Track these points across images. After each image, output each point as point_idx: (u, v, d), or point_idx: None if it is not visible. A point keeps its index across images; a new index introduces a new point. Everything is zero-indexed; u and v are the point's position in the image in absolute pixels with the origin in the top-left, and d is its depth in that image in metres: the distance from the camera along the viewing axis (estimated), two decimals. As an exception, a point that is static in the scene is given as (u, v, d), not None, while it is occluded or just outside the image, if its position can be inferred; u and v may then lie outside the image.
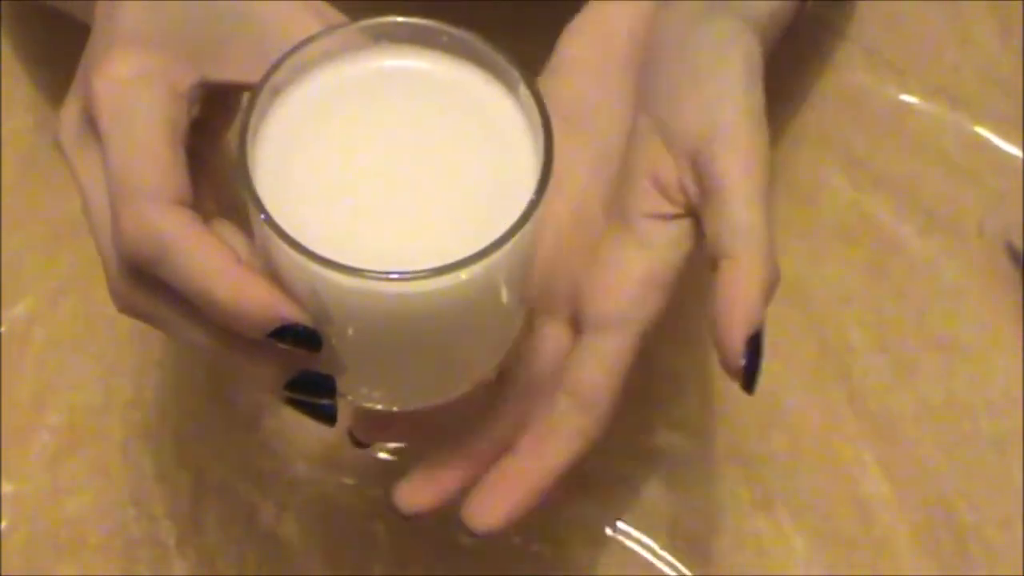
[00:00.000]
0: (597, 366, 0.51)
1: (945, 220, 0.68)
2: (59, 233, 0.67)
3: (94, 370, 0.64)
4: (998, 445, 0.64)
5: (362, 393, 0.50)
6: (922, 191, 0.69)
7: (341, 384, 0.48)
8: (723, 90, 0.50)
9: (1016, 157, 0.70)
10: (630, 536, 0.61)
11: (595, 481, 0.62)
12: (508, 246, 0.43)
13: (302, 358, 0.46)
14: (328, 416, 0.49)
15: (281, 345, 0.45)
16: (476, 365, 0.51)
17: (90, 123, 0.47)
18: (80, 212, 0.67)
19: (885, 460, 0.63)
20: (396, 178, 0.46)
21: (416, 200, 0.45)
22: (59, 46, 0.72)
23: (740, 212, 0.48)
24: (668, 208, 0.51)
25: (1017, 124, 0.70)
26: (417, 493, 0.52)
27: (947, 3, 0.74)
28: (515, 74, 0.46)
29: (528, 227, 0.44)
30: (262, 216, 0.43)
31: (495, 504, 0.51)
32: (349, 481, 0.62)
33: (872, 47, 0.73)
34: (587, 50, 0.55)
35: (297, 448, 0.63)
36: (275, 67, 0.46)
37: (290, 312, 0.45)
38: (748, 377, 0.49)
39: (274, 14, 0.48)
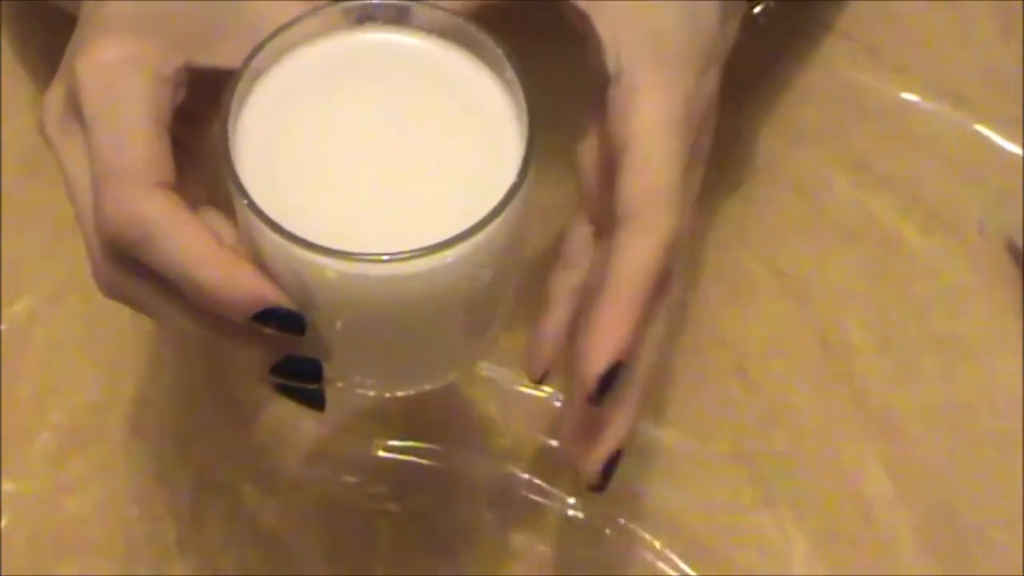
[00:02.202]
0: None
1: (947, 219, 0.68)
2: (60, 232, 0.67)
3: (95, 369, 0.64)
4: (1000, 445, 0.63)
5: (352, 379, 0.50)
6: (924, 190, 0.69)
7: (330, 370, 0.48)
8: (668, 23, 0.50)
9: (1017, 156, 0.70)
10: (632, 535, 0.61)
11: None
12: (493, 226, 0.43)
13: (288, 343, 0.46)
14: (316, 401, 0.48)
15: (265, 329, 0.45)
16: (465, 349, 0.51)
17: (74, 108, 0.47)
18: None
19: (887, 459, 0.63)
20: (380, 160, 0.45)
21: (400, 182, 0.45)
22: (61, 47, 0.72)
23: (650, 176, 0.47)
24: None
25: (1018, 123, 0.70)
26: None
27: (949, 3, 0.74)
28: (500, 55, 0.46)
29: (513, 208, 0.43)
30: (244, 201, 0.43)
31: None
32: (351, 479, 0.62)
33: (874, 46, 0.73)
34: None
35: (298, 446, 0.63)
36: (256, 50, 0.46)
37: (273, 295, 0.45)
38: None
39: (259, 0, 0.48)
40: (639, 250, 0.47)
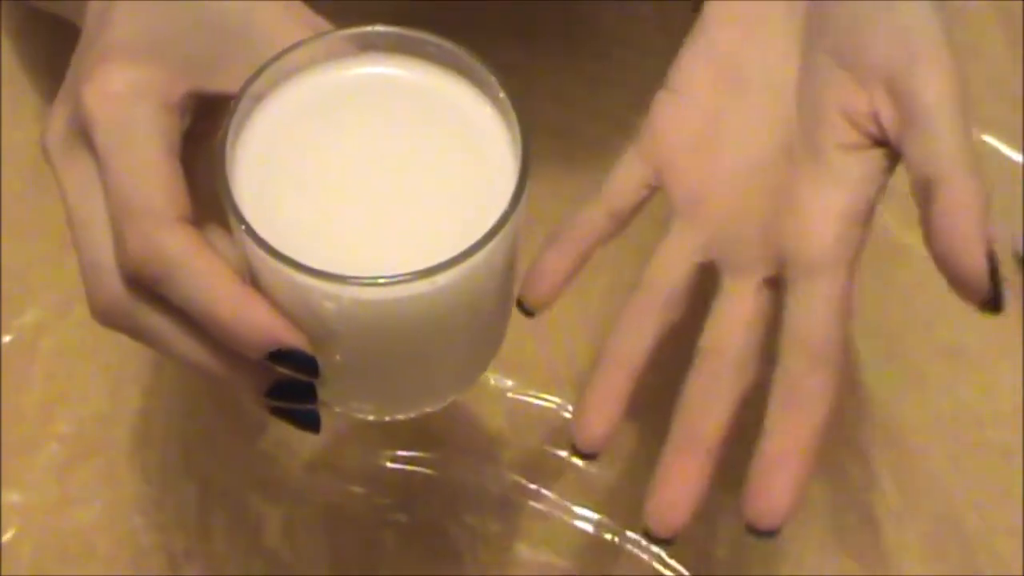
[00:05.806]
0: (822, 312, 0.49)
1: (952, 230, 0.68)
2: (66, 242, 0.66)
3: (102, 379, 0.64)
4: (1005, 454, 0.64)
5: (350, 404, 0.50)
6: (929, 200, 0.69)
7: (329, 395, 0.48)
8: (916, 16, 0.50)
9: (1022, 166, 0.70)
10: (637, 544, 0.61)
11: (599, 487, 0.62)
12: (487, 250, 0.43)
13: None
14: (311, 423, 0.49)
15: (279, 369, 0.45)
16: (460, 372, 0.51)
17: (80, 134, 0.46)
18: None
19: (894, 469, 0.63)
20: (377, 185, 0.46)
21: (397, 206, 0.45)
22: (64, 56, 0.71)
23: (948, 135, 0.48)
24: (861, 139, 0.50)
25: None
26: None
27: (955, 14, 0.74)
28: (494, 82, 0.46)
29: (506, 232, 0.44)
30: (242, 226, 0.43)
31: (775, 497, 0.49)
32: (356, 490, 0.62)
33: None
34: (735, 8, 0.55)
35: (304, 457, 0.63)
36: (256, 74, 0.46)
37: (290, 337, 0.45)
38: (995, 295, 0.48)
39: (266, 25, 0.48)
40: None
